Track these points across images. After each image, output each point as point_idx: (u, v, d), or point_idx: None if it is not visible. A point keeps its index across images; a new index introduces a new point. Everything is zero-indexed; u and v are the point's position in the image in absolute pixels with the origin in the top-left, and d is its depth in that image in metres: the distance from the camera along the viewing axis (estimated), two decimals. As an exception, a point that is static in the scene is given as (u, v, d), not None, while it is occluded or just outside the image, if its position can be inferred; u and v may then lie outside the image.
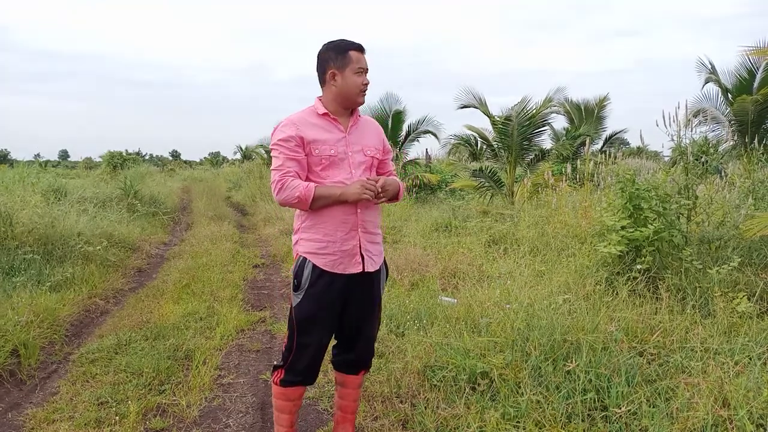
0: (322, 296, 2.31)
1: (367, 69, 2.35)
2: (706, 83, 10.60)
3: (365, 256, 2.35)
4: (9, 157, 55.94)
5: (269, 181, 2.45)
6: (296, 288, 2.34)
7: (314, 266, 2.30)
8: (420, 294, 4.78)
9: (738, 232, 4.67)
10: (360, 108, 2.44)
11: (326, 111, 2.34)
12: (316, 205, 2.27)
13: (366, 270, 2.35)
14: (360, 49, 2.33)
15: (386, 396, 3.09)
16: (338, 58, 2.30)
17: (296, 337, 2.35)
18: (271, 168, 2.36)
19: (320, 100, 2.38)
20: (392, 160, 2.61)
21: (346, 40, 2.33)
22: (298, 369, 2.38)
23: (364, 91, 2.34)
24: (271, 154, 2.36)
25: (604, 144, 16.63)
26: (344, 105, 2.35)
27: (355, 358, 2.52)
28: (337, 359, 2.57)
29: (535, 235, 6.27)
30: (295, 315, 2.34)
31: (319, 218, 2.31)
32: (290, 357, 2.38)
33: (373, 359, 2.63)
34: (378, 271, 2.44)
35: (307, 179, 2.31)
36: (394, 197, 2.43)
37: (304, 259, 2.33)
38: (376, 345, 3.73)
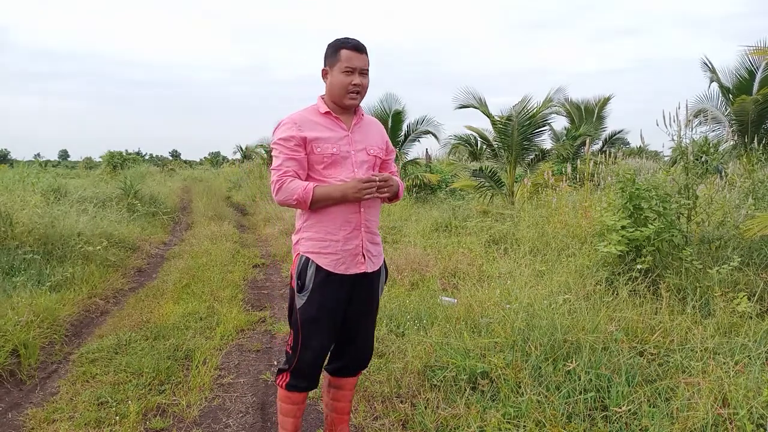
0: (328, 297, 2.25)
1: (363, 69, 2.25)
2: (711, 83, 10.59)
3: (367, 257, 2.31)
4: (9, 157, 55.99)
5: (269, 180, 2.42)
6: (300, 289, 2.27)
7: (318, 266, 2.25)
8: (420, 294, 4.79)
9: (738, 232, 4.67)
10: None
11: (328, 110, 2.29)
12: (317, 206, 2.23)
13: (367, 270, 2.31)
14: (355, 48, 2.23)
15: (386, 396, 3.09)
16: (331, 56, 2.27)
17: (301, 339, 2.29)
18: (270, 167, 2.32)
19: (322, 98, 2.34)
20: (394, 161, 2.57)
21: (344, 39, 2.26)
22: (303, 372, 2.32)
23: (352, 92, 2.25)
24: (272, 153, 2.31)
25: (604, 144, 16.64)
26: (336, 104, 2.30)
27: (355, 359, 2.47)
28: (332, 366, 2.50)
29: (535, 235, 6.27)
30: (300, 316, 2.27)
31: (322, 217, 2.26)
32: (295, 360, 2.31)
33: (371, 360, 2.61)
34: (378, 272, 2.40)
35: (309, 178, 2.27)
36: (394, 196, 2.36)
37: (307, 258, 2.26)
38: (376, 345, 3.76)
